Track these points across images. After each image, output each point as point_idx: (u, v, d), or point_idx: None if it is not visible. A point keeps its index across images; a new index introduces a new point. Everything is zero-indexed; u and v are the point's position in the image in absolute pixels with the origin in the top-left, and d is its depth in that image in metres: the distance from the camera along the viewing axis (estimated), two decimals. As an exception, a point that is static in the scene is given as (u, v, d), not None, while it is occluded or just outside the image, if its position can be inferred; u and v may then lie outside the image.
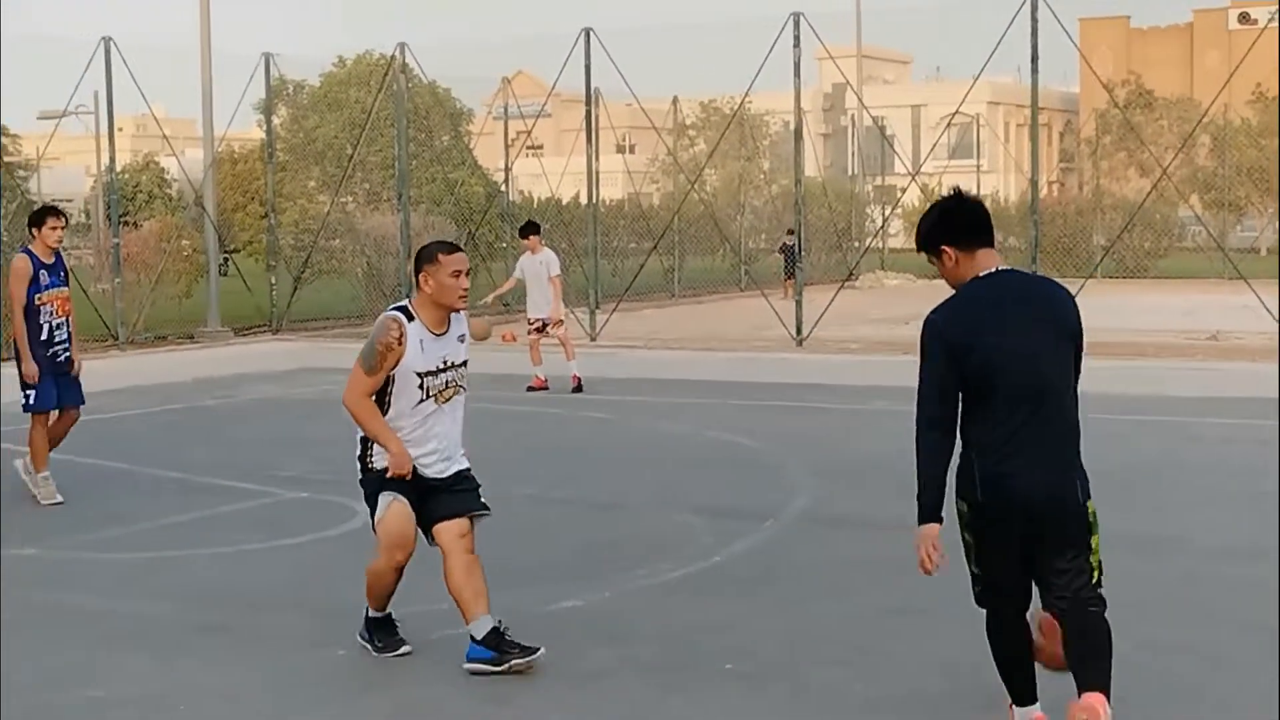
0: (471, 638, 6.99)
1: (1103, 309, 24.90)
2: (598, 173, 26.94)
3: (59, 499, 11.30)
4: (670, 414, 16.29)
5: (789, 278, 33.44)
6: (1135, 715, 6.16)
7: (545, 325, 18.36)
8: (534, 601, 8.24)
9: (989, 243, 5.73)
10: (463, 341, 7.22)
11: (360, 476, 7.17)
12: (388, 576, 7.13)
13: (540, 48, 77.57)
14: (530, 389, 18.23)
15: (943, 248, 5.71)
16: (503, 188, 34.67)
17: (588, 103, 26.59)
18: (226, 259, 31.94)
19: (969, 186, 43.00)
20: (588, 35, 25.85)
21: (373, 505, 7.10)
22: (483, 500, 7.20)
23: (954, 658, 7.16)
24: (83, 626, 8.01)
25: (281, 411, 17.14)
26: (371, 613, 7.36)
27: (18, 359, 11.24)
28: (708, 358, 22.35)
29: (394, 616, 7.40)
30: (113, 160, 27.24)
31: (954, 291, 5.74)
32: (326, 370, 20.28)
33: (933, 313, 5.73)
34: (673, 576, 8.86)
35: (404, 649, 7.31)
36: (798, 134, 25.27)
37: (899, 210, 42.07)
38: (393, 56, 29.17)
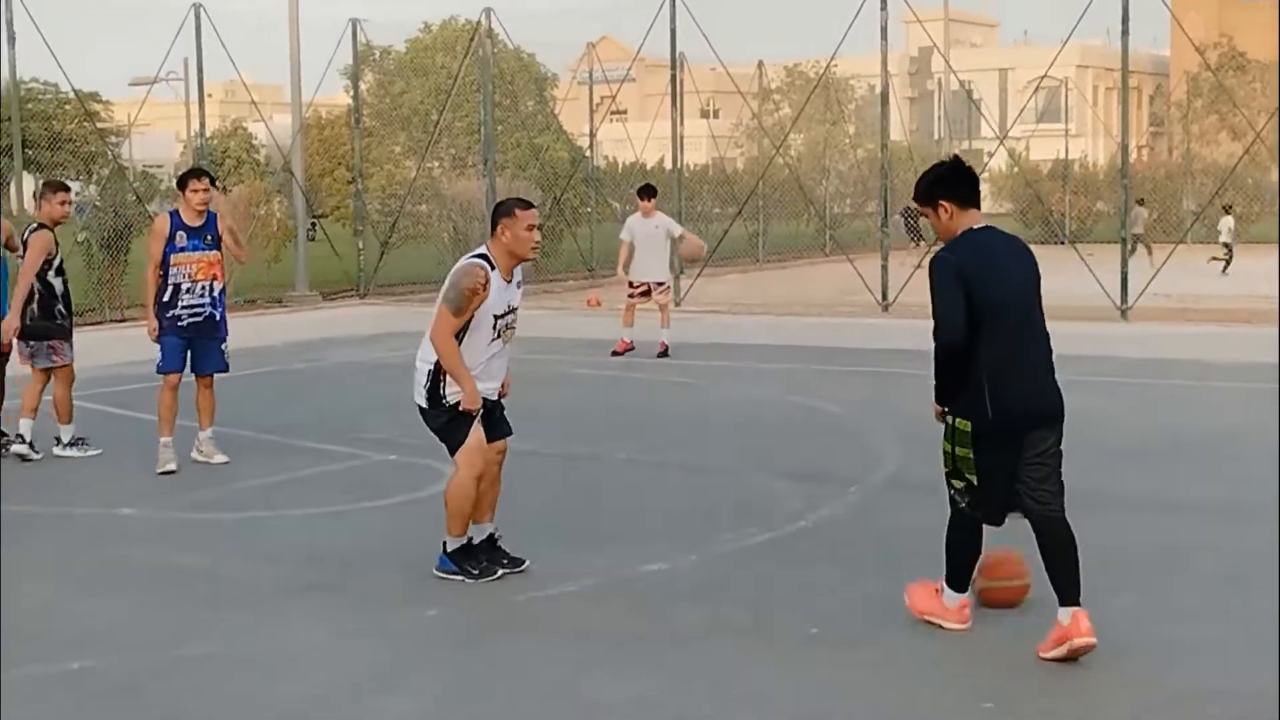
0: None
1: (1194, 274, 24.71)
2: (682, 137, 26.92)
3: (172, 468, 11.24)
4: (755, 379, 16.32)
5: (916, 242, 33.27)
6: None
7: (650, 290, 18.31)
8: (621, 564, 8.33)
9: (979, 204, 6.79)
10: (519, 288, 8.05)
11: (429, 406, 7.87)
12: (472, 487, 7.86)
13: (625, 12, 77.51)
14: (615, 353, 18.27)
15: (942, 202, 6.70)
16: (587, 152, 34.73)
17: (672, 67, 26.56)
18: (314, 224, 32.23)
19: (1057, 151, 42.43)
20: (673, 0, 25.82)
21: (453, 430, 7.84)
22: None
23: (1041, 621, 7.17)
24: (182, 585, 8.18)
25: (369, 375, 17.32)
26: (452, 543, 7.95)
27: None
28: (792, 323, 22.36)
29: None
30: (202, 126, 27.54)
31: (944, 243, 6.74)
32: (413, 334, 20.27)
33: (943, 251, 6.69)
34: (758, 541, 8.91)
35: (499, 572, 7.97)
36: (884, 98, 25.14)
37: (986, 175, 41.71)
38: (478, 22, 29.29)
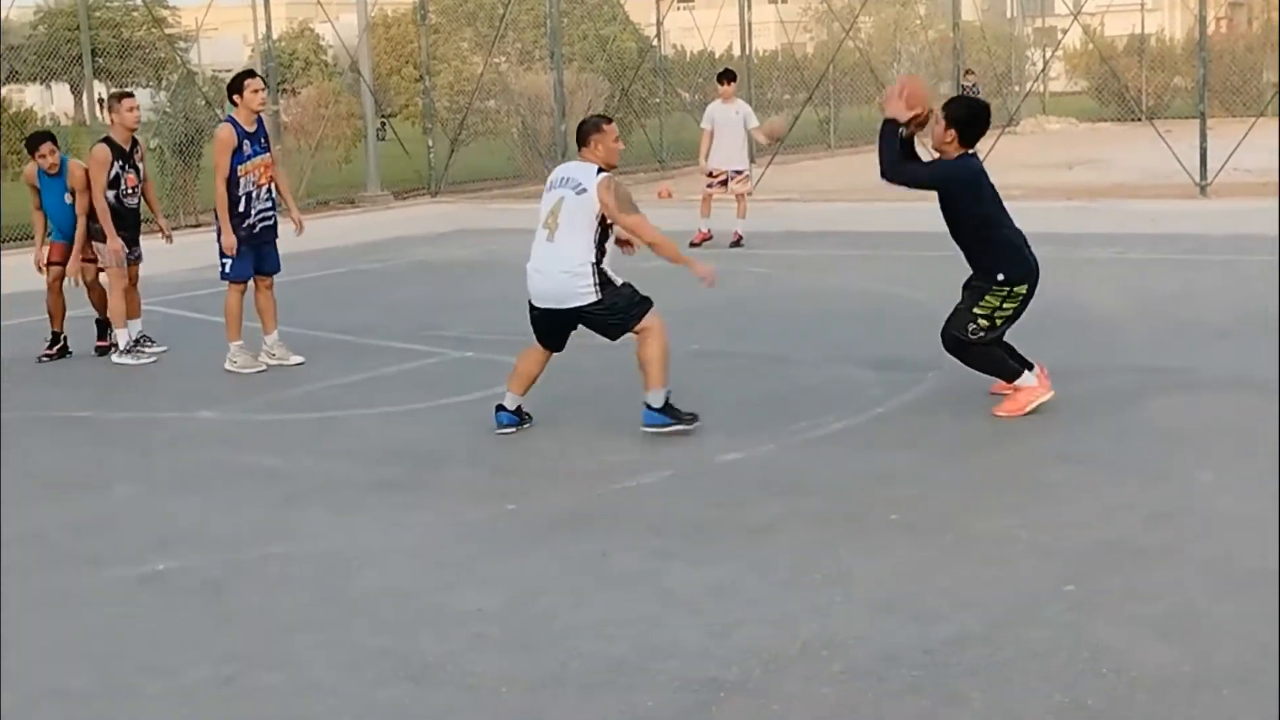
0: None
1: (1274, 148, 24.19)
2: (750, 23, 26.59)
3: (261, 367, 11.34)
4: (829, 267, 16.20)
5: None
6: None
7: (728, 179, 18.10)
8: (699, 453, 8.33)
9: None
10: None
11: (601, 282, 8.62)
12: (667, 339, 8.68)
13: (690, -103, 76.30)
14: (693, 244, 18.16)
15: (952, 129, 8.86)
16: (655, 42, 34.39)
17: (739, -48, 26.17)
18: (384, 123, 32.16)
19: (1133, 26, 41.43)
20: (738, -117, 25.39)
21: (631, 301, 8.69)
22: None
23: (1123, 502, 7.11)
24: (262, 485, 8.25)
25: (442, 273, 17.34)
26: (657, 397, 8.65)
27: (219, 228, 11.20)
28: (866, 209, 22.09)
29: None
30: (269, 28, 27.47)
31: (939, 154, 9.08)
32: (485, 231, 20.43)
33: (965, 159, 8.94)
34: (836, 428, 8.87)
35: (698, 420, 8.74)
36: (955, -23, 24.68)
37: (1060, 53, 41.01)
38: (541, -88, 28.93)
